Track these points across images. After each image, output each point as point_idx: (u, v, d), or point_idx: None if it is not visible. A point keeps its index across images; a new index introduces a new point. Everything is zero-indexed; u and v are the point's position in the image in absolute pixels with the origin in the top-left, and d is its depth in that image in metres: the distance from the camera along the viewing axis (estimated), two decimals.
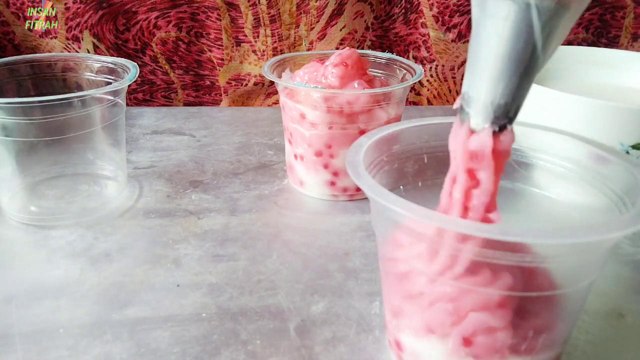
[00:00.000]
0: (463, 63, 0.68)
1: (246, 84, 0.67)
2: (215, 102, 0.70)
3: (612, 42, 0.69)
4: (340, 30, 0.65)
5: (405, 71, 0.45)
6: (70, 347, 0.27)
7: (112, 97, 0.39)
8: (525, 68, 0.19)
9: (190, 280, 0.33)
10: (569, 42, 0.69)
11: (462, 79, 0.68)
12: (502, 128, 0.20)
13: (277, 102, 0.69)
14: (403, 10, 0.67)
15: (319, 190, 0.43)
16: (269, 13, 0.64)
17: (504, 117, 0.20)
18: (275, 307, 0.31)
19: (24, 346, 0.27)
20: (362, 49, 0.67)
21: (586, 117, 0.35)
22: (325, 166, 0.42)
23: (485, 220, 0.21)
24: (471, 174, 0.21)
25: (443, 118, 0.28)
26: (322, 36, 0.65)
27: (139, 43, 0.64)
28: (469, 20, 0.65)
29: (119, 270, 0.33)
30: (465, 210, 0.21)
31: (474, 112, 0.21)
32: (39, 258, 0.35)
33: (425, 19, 0.65)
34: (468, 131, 0.21)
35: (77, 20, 0.61)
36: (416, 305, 0.23)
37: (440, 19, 0.65)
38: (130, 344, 0.28)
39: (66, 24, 0.61)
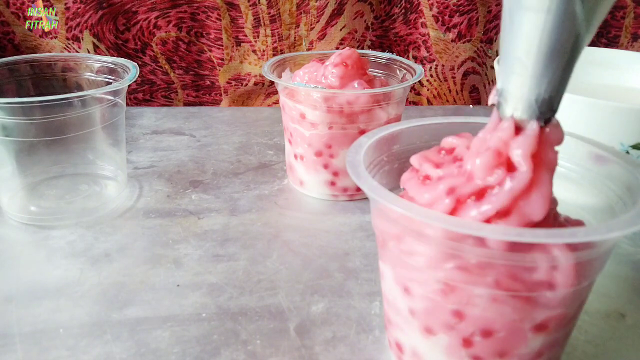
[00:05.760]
0: (463, 63, 0.68)
1: (246, 84, 0.67)
2: (215, 102, 0.70)
3: (612, 42, 0.69)
4: (340, 30, 0.65)
5: (405, 71, 0.45)
6: (70, 347, 0.27)
7: (112, 97, 0.39)
8: (568, 59, 0.18)
9: (190, 280, 0.33)
10: None
11: (462, 79, 0.68)
12: (547, 121, 0.20)
13: (277, 102, 0.69)
14: (403, 10, 0.67)
15: (319, 190, 0.43)
16: (269, 13, 0.64)
17: (549, 110, 0.20)
18: (275, 307, 0.31)
19: (24, 346, 0.27)
20: (362, 49, 0.67)
21: (586, 117, 0.35)
22: (325, 166, 0.42)
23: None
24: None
25: (443, 118, 0.28)
26: (322, 36, 0.65)
27: (139, 43, 0.64)
28: (469, 20, 0.66)
29: (119, 270, 0.33)
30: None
31: (516, 109, 0.20)
32: (39, 258, 0.35)
33: (425, 18, 0.65)
34: (513, 126, 0.20)
35: (77, 20, 0.61)
36: (416, 305, 0.23)
37: (440, 19, 0.65)
38: (130, 344, 0.28)
39: (66, 24, 0.61)
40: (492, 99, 0.21)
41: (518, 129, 0.20)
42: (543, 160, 0.20)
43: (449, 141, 0.24)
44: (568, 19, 0.17)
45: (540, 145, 0.20)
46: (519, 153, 0.20)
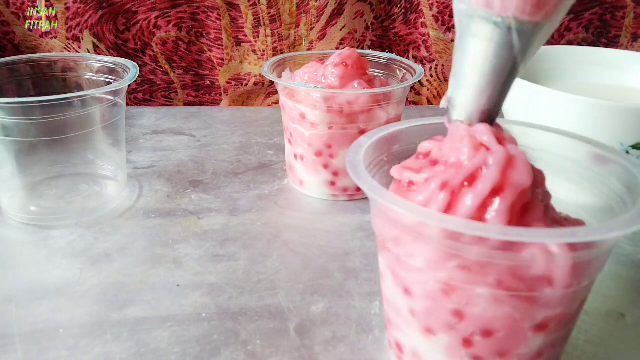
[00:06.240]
0: None
1: (246, 84, 0.67)
2: (215, 102, 0.70)
3: (612, 42, 0.69)
4: (340, 30, 0.65)
5: (405, 71, 0.45)
6: (70, 347, 0.27)
7: (112, 97, 0.39)
8: (506, 79, 0.21)
9: (190, 280, 0.33)
10: (569, 42, 0.69)
11: None
12: None
13: (277, 102, 0.69)
14: (403, 10, 0.67)
15: (319, 190, 0.43)
16: (269, 13, 0.64)
17: (487, 119, 0.22)
18: (275, 307, 0.31)
19: (24, 346, 0.27)
20: (362, 49, 0.67)
21: (586, 117, 0.35)
22: (325, 166, 0.42)
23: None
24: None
25: (443, 118, 0.28)
26: (322, 36, 0.65)
27: (139, 43, 0.64)
28: None
29: (119, 270, 0.33)
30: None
31: (460, 115, 0.23)
32: (39, 258, 0.35)
33: (425, 18, 0.65)
34: (464, 124, 0.23)
35: (77, 20, 0.61)
36: (416, 305, 0.23)
37: (440, 19, 0.65)
38: (130, 344, 0.28)
39: (66, 24, 0.61)
40: (442, 103, 0.24)
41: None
42: (504, 137, 0.22)
43: (424, 146, 0.24)
44: (506, 48, 0.20)
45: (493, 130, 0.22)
46: (484, 137, 0.22)
